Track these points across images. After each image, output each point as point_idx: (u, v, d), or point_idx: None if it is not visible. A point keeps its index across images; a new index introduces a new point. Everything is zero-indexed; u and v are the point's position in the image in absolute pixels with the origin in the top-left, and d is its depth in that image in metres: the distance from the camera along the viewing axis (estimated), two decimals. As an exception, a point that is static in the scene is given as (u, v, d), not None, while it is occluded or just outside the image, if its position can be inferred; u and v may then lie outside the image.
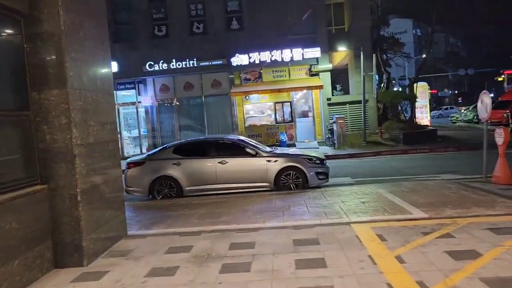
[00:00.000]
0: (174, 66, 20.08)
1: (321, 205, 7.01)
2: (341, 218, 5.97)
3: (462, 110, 37.62)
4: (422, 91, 24.95)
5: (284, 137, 19.41)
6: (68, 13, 4.68)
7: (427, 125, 24.33)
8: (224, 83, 20.75)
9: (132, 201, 9.27)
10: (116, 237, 5.54)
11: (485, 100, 8.43)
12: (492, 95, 23.99)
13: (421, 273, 3.74)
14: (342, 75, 22.53)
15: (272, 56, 19.47)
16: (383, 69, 23.84)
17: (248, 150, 9.35)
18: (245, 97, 20.59)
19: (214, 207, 7.50)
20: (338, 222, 5.75)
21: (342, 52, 21.19)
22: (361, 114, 19.56)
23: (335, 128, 18.23)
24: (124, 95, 21.43)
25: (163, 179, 9.27)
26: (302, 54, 19.34)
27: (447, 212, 5.90)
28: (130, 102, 21.44)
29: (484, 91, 8.72)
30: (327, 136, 19.56)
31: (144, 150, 20.37)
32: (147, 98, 20.68)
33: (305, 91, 20.60)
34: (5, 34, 4.46)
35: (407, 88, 24.73)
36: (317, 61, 19.89)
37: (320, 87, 19.54)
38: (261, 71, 20.38)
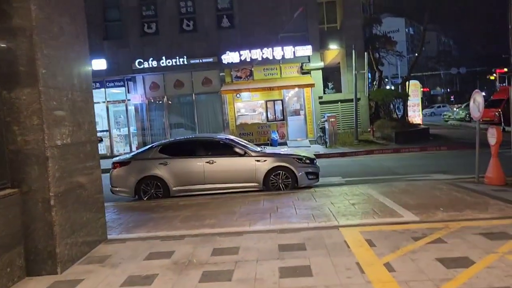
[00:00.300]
0: (164, 64, 19.78)
1: (310, 206, 6.81)
2: (329, 221, 5.77)
3: (455, 109, 37.71)
4: (414, 89, 24.87)
5: (275, 136, 19.20)
6: (40, 7, 4.41)
7: (419, 124, 24.27)
8: (215, 81, 20.48)
9: (118, 201, 9.03)
10: (94, 242, 5.30)
11: (478, 99, 8.27)
12: (484, 93, 24.01)
13: (411, 284, 3.54)
14: (334, 73, 22.38)
15: (263, 54, 19.24)
16: (375, 68, 23.72)
17: (236, 149, 9.14)
18: (236, 95, 20.34)
19: (200, 208, 7.27)
20: (326, 226, 5.55)
21: (334, 50, 21.03)
22: (353, 113, 19.40)
23: (326, 126, 18.06)
24: (113, 92, 21.10)
25: (149, 179, 9.05)
26: (294, 52, 19.13)
27: (439, 215, 5.72)
28: (119, 100, 21.10)
29: (476, 90, 8.58)
30: (318, 134, 19.40)
31: (134, 149, 20.04)
32: (137, 96, 20.35)
33: (296, 89, 20.40)
34: (-28, 28, 4.20)
35: (399, 86, 24.65)
36: (309, 59, 19.69)
37: (312, 85, 19.36)
38: (252, 69, 20.14)
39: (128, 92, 20.55)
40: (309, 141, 19.75)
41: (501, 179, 7.84)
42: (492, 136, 7.95)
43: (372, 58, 22.70)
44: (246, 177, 9.02)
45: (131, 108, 20.87)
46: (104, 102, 20.75)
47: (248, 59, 19.41)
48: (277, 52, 19.15)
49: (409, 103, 23.28)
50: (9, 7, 4.30)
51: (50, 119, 4.46)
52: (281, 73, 20.25)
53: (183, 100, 21.14)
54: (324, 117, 18.60)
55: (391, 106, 22.31)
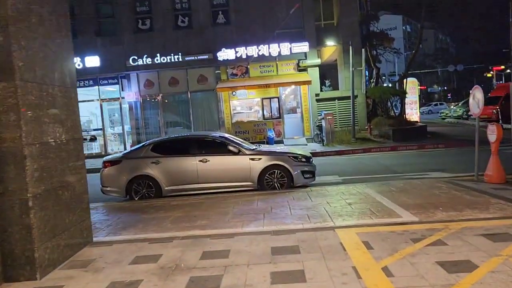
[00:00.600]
0: (159, 61, 19.49)
1: (305, 207, 6.58)
2: (325, 222, 5.54)
3: (452, 106, 37.57)
4: (412, 86, 24.68)
5: (271, 134, 18.96)
6: (17, -4, 4.16)
7: (417, 121, 24.08)
8: (210, 79, 20.19)
9: (109, 202, 8.79)
10: (78, 245, 5.04)
11: (477, 95, 8.05)
12: (482, 91, 23.66)
13: (411, 290, 3.32)
14: (331, 71, 22.13)
15: (259, 50, 18.99)
16: (372, 65, 23.48)
17: (230, 148, 8.89)
18: (232, 92, 20.06)
19: (192, 209, 7.03)
20: (322, 227, 5.31)
21: (331, 47, 20.78)
22: (350, 110, 19.16)
23: (323, 124, 17.82)
24: (107, 90, 20.77)
25: (141, 178, 8.81)
26: (290, 48, 18.90)
27: (439, 215, 5.50)
28: (113, 98, 20.78)
29: (476, 86, 8.34)
30: (315, 132, 19.17)
31: (128, 147, 19.75)
32: (131, 94, 20.04)
33: (293, 86, 20.15)
34: None
35: (396, 84, 24.44)
36: (306, 56, 19.46)
37: (308, 82, 19.10)
38: (248, 66, 19.86)
39: (122, 90, 20.21)
40: (306, 139, 19.52)
41: (501, 177, 7.64)
42: (492, 133, 7.73)
43: (370, 55, 22.45)
44: (240, 176, 8.79)
45: (125, 106, 20.55)
46: (97, 100, 20.44)
47: (244, 56, 19.15)
48: (274, 48, 18.89)
49: (406, 100, 23.07)
50: (-17, -5, 4.04)
51: (28, 116, 4.20)
52: (277, 70, 19.99)
53: (178, 98, 20.85)
54: (321, 115, 18.36)
55: (389, 103, 22.10)
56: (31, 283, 4.11)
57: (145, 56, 19.44)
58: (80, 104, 18.87)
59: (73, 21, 19.63)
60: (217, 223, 5.90)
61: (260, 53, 19.01)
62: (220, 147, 8.97)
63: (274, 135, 19.15)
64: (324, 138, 17.82)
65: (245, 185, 8.81)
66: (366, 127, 20.14)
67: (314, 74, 19.83)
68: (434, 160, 12.68)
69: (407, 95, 22.50)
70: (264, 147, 10.15)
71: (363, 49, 19.01)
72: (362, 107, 21.15)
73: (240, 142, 9.37)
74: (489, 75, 53.06)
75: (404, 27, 72.30)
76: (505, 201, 6.09)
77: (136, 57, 19.46)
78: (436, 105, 49.56)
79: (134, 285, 3.85)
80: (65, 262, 4.64)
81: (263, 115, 20.21)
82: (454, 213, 5.54)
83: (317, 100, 20.32)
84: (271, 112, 20.23)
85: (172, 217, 6.46)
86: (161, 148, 9.09)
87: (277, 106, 20.24)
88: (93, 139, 20.54)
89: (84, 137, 20.57)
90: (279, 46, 18.84)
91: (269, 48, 18.89)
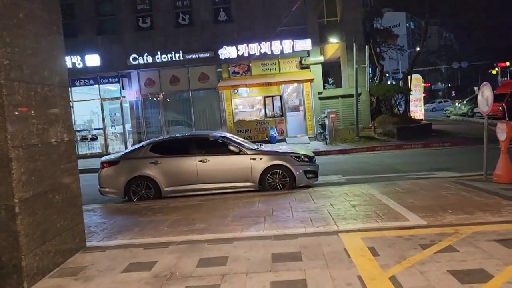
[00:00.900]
0: (160, 59, 19.26)
1: (308, 209, 6.34)
2: (328, 226, 5.29)
3: (456, 104, 37.18)
4: (417, 84, 24.32)
5: (274, 133, 18.73)
6: (3, -10, 3.93)
7: (422, 119, 23.75)
8: (211, 77, 19.95)
9: (107, 203, 8.60)
10: (70, 251, 4.83)
11: (486, 92, 7.78)
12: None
13: (421, 302, 3.08)
14: (334, 68, 21.84)
15: (261, 48, 18.72)
16: (376, 62, 23.17)
17: (231, 147, 8.67)
18: (234, 91, 19.82)
19: (191, 211, 6.80)
20: (325, 231, 5.07)
21: (334, 44, 20.49)
22: (353, 108, 18.88)
23: (326, 122, 17.56)
24: (108, 89, 20.57)
25: (140, 179, 8.62)
26: (293, 46, 18.62)
27: (448, 218, 5.24)
28: (114, 97, 20.58)
29: (485, 82, 8.04)
30: (318, 131, 18.90)
31: (129, 146, 19.57)
32: (132, 93, 19.83)
33: (295, 84, 19.88)
34: None
35: (400, 81, 24.11)
36: (308, 54, 19.17)
37: (311, 80, 18.83)
38: (250, 64, 19.61)
39: (123, 89, 19.99)
40: (309, 137, 19.25)
41: (511, 177, 7.36)
42: (502, 132, 7.46)
43: (373, 52, 22.15)
44: (241, 176, 8.57)
45: (126, 105, 20.35)
46: (98, 99, 20.24)
47: (246, 54, 18.89)
48: (276, 46, 18.62)
49: (411, 98, 22.74)
50: (-34, -10, 3.82)
51: (14, 116, 3.98)
52: (279, 68, 19.73)
53: (179, 97, 20.62)
54: (324, 113, 18.08)
55: (393, 101, 21.78)
56: (18, 293, 3.89)
57: (145, 55, 19.21)
58: (80, 103, 18.74)
59: (74, 20, 19.72)
60: (216, 227, 5.67)
61: (262, 51, 18.75)
62: (220, 147, 8.75)
63: (277, 134, 18.92)
64: (327, 136, 17.56)
65: (246, 186, 8.60)
66: (370, 125, 19.85)
67: (317, 72, 19.57)
68: (440, 159, 12.40)
69: (411, 93, 22.17)
70: (266, 147, 9.91)
71: (366, 46, 18.73)
72: (366, 105, 20.88)
73: (240, 142, 9.15)
74: (494, 71, 52.47)
75: (407, 24, 71.80)
76: (517, 203, 5.83)
77: (136, 56, 19.24)
78: (440, 102, 49.14)
79: (126, 296, 3.63)
80: (55, 270, 4.42)
81: (265, 113, 19.96)
82: (464, 216, 5.28)
83: (320, 98, 20.05)
84: (274, 111, 19.98)
85: (170, 221, 6.23)
86: (160, 148, 8.88)
87: (280, 104, 19.98)
88: (94, 138, 20.36)
89: (85, 136, 20.42)
90: (281, 44, 18.58)
91: (271, 45, 18.63)
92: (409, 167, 11.17)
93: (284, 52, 18.74)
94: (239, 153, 8.60)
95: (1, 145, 3.88)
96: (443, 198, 6.42)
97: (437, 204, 6.01)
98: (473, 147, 13.53)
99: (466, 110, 29.57)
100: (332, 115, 17.47)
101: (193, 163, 8.56)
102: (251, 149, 8.77)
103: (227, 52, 18.89)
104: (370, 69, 22.60)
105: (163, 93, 20.28)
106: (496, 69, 51.52)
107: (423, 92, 25.81)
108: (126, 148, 19.46)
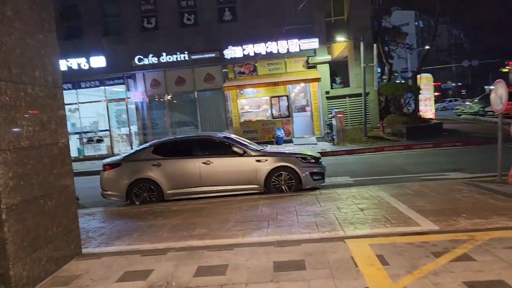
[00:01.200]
0: (165, 60, 19.13)
1: (313, 212, 6.08)
2: (334, 231, 5.03)
3: (467, 102, 36.56)
4: (427, 82, 23.90)
5: (280, 133, 18.46)
6: (-11, -15, 3.74)
7: (432, 118, 23.31)
8: (217, 77, 19.76)
9: (108, 206, 8.42)
10: (64, 258, 4.62)
11: (500, 90, 7.44)
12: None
13: (435, 319, 2.81)
14: (342, 67, 21.55)
15: (267, 47, 18.50)
16: (385, 61, 22.80)
17: (235, 149, 8.43)
18: (240, 91, 19.59)
19: (192, 215, 6.58)
20: (331, 237, 4.80)
21: (341, 43, 20.18)
22: (361, 108, 18.54)
23: (334, 122, 17.25)
24: (113, 90, 20.49)
25: (142, 181, 8.42)
26: (299, 45, 18.37)
27: (462, 223, 4.94)
28: (119, 98, 20.48)
29: (499, 80, 7.70)
30: (326, 131, 18.60)
31: (135, 148, 19.42)
32: (137, 94, 19.70)
33: (302, 84, 19.60)
34: None
35: (409, 80, 23.70)
36: (315, 53, 18.88)
37: (318, 79, 18.54)
38: (256, 64, 19.37)
39: (128, 90, 19.89)
40: (316, 138, 18.96)
41: (527, 178, 7.03)
42: (518, 131, 7.14)
43: (382, 51, 21.77)
44: (245, 178, 8.32)
45: (132, 107, 20.25)
46: (104, 100, 20.15)
47: (252, 54, 18.68)
48: (282, 45, 18.38)
49: (420, 97, 22.33)
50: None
51: (1, 118, 3.78)
52: (286, 68, 19.46)
53: (185, 98, 20.47)
54: (331, 113, 17.77)
55: (402, 100, 21.36)
56: (6, 304, 3.69)
57: (151, 56, 19.10)
58: (86, 105, 18.63)
59: (79, 22, 19.64)
60: (216, 232, 5.44)
61: (268, 50, 18.53)
62: (224, 148, 8.53)
63: (283, 135, 18.66)
64: (334, 137, 17.26)
65: (251, 188, 8.35)
66: (379, 125, 19.48)
67: (324, 71, 19.26)
68: (451, 159, 12.05)
69: (421, 92, 21.76)
70: (271, 148, 9.66)
71: (374, 44, 18.34)
72: (374, 105, 20.51)
73: (245, 143, 8.92)
74: (505, 70, 51.60)
75: (416, 23, 70.95)
76: (535, 206, 5.51)
77: (142, 57, 19.14)
78: (450, 101, 48.42)
79: (117, 309, 3.41)
80: (47, 279, 4.21)
81: (272, 114, 19.70)
82: (479, 221, 4.98)
83: (328, 98, 19.74)
84: (280, 111, 19.71)
85: (170, 225, 6.01)
86: (163, 150, 8.69)
87: (286, 104, 19.71)
88: (100, 140, 20.28)
89: (91, 138, 20.35)
90: (287, 43, 18.34)
91: (277, 45, 18.41)
92: (419, 168, 10.84)
93: (291, 51, 18.49)
94: (243, 154, 8.36)
95: (-13, 148, 3.69)
96: (456, 201, 6.11)
97: (450, 208, 5.71)
98: (486, 147, 13.16)
99: (477, 109, 29.02)
100: (340, 115, 17.18)
101: (196, 165, 8.35)
102: (256, 151, 8.52)
103: (233, 52, 18.70)
104: (379, 68, 22.22)
105: (169, 94, 20.13)
106: (508, 67, 50.65)
107: (437, 92, 25.35)
108: (132, 149, 19.32)
